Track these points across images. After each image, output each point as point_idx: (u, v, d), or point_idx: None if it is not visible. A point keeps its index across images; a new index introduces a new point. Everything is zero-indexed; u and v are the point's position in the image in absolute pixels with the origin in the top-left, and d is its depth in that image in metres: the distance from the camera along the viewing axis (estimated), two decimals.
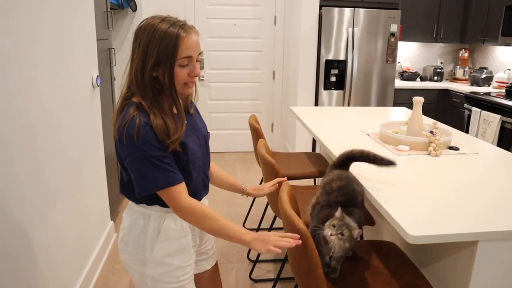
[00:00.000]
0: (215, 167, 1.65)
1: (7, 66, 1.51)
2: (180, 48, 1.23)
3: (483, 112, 4.02)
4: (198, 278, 1.60)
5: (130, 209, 1.40)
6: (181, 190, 1.28)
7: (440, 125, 2.40)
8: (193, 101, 1.47)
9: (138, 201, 1.35)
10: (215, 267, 1.68)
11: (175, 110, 1.33)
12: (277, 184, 1.69)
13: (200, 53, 1.32)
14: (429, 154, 2.01)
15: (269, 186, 1.70)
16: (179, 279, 1.39)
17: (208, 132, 1.53)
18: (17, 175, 1.58)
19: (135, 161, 1.23)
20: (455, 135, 2.37)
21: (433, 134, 2.10)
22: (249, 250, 2.88)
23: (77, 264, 2.25)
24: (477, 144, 2.23)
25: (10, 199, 1.53)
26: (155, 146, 1.22)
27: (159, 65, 1.24)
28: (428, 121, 2.54)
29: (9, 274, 1.52)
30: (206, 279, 1.64)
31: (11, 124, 1.54)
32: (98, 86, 2.62)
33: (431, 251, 1.66)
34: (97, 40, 2.68)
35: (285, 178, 1.71)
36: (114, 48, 3.25)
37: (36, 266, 1.74)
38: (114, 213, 3.29)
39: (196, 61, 1.31)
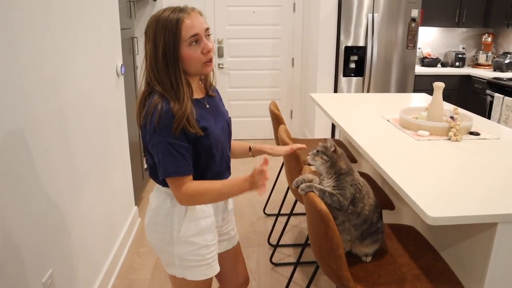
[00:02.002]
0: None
1: (40, 56, 1.58)
2: (182, 30, 1.27)
3: (506, 98, 3.96)
4: (221, 257, 1.65)
5: (158, 191, 1.46)
6: (185, 181, 1.32)
7: (461, 110, 2.39)
8: (212, 83, 1.51)
9: (163, 184, 1.41)
10: (237, 247, 1.73)
11: (195, 96, 1.39)
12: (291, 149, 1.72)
13: (207, 29, 1.34)
14: (449, 139, 2.02)
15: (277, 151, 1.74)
16: (205, 257, 1.45)
17: (229, 117, 1.57)
18: (51, 159, 1.66)
19: (155, 146, 1.29)
20: (476, 121, 2.36)
21: (454, 120, 2.10)
22: (270, 235, 2.94)
23: (105, 246, 2.34)
24: (499, 129, 2.22)
25: (46, 181, 1.61)
26: (173, 132, 1.27)
27: (167, 51, 1.28)
28: (449, 107, 2.54)
29: (44, 253, 1.61)
30: (229, 259, 1.70)
31: (46, 111, 1.62)
32: (122, 74, 2.69)
33: (450, 234, 1.69)
34: (121, 29, 2.74)
35: (303, 146, 1.72)
36: (136, 37, 3.32)
37: (68, 247, 1.83)
38: (138, 198, 3.38)
39: (207, 36, 1.34)
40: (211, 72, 1.45)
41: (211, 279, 1.52)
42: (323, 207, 1.29)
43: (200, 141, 1.35)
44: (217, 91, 1.57)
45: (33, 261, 1.52)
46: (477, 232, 1.46)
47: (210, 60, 1.36)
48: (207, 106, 1.43)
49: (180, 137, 1.28)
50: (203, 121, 1.36)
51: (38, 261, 1.56)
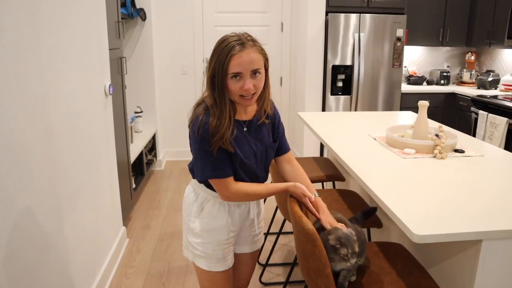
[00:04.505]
0: (296, 168, 1.73)
1: (29, 76, 1.58)
2: (229, 64, 1.39)
3: (490, 115, 4.04)
4: (237, 256, 1.79)
5: (190, 184, 1.68)
6: (228, 182, 1.50)
7: (446, 128, 2.43)
8: (266, 110, 1.59)
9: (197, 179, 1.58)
10: (256, 253, 1.86)
11: (238, 117, 1.52)
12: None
13: (255, 70, 1.42)
14: (434, 157, 2.04)
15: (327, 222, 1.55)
16: (213, 253, 1.62)
17: (274, 141, 1.66)
18: (37, 179, 1.65)
19: (194, 151, 1.50)
20: (460, 138, 2.40)
21: (439, 137, 2.13)
22: (259, 254, 2.92)
23: (91, 267, 2.31)
24: (483, 146, 2.26)
25: (32, 203, 1.60)
26: (209, 142, 1.43)
27: (215, 74, 1.43)
28: (434, 125, 2.58)
29: (30, 275, 1.58)
30: (242, 260, 1.83)
31: (33, 131, 1.61)
32: (110, 94, 2.69)
33: (437, 251, 1.70)
34: (109, 49, 2.76)
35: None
36: (125, 57, 3.33)
37: (54, 268, 1.80)
38: (126, 218, 3.36)
39: (255, 74, 1.43)
40: (267, 100, 1.57)
41: (227, 272, 1.66)
42: (310, 226, 1.30)
43: (230, 157, 1.50)
44: (272, 117, 1.64)
45: (17, 284, 1.49)
46: (463, 249, 1.48)
47: (249, 96, 1.45)
48: (245, 129, 1.54)
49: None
50: (234, 142, 1.49)
51: (23, 283, 1.53)
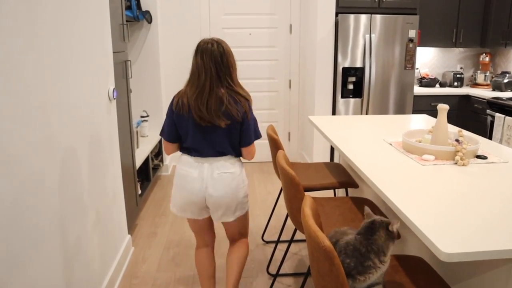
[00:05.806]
0: None
1: (28, 80, 1.49)
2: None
3: (508, 118, 3.90)
4: None
5: (236, 163, 2.09)
6: None
7: (466, 132, 2.31)
8: None
9: (239, 155, 2.11)
10: None
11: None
12: None
13: None
14: (456, 163, 1.92)
15: None
16: None
17: None
18: (40, 189, 1.56)
19: (252, 123, 2.06)
20: (481, 143, 2.28)
21: (459, 143, 2.01)
22: (269, 264, 2.82)
23: (95, 278, 2.22)
24: (506, 152, 2.13)
25: (34, 210, 1.51)
26: None
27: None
28: (453, 129, 2.46)
29: (36, 283, 1.49)
30: None
31: (34, 137, 1.52)
32: (114, 99, 2.60)
33: (463, 267, 1.58)
34: (114, 52, 2.67)
35: None
36: (130, 61, 3.25)
37: (56, 279, 1.71)
38: (132, 226, 3.27)
39: None
40: None
41: None
42: (327, 243, 1.19)
43: None
44: None
45: None
46: (492, 266, 1.36)
47: None
48: None
49: None
50: None
51: None
